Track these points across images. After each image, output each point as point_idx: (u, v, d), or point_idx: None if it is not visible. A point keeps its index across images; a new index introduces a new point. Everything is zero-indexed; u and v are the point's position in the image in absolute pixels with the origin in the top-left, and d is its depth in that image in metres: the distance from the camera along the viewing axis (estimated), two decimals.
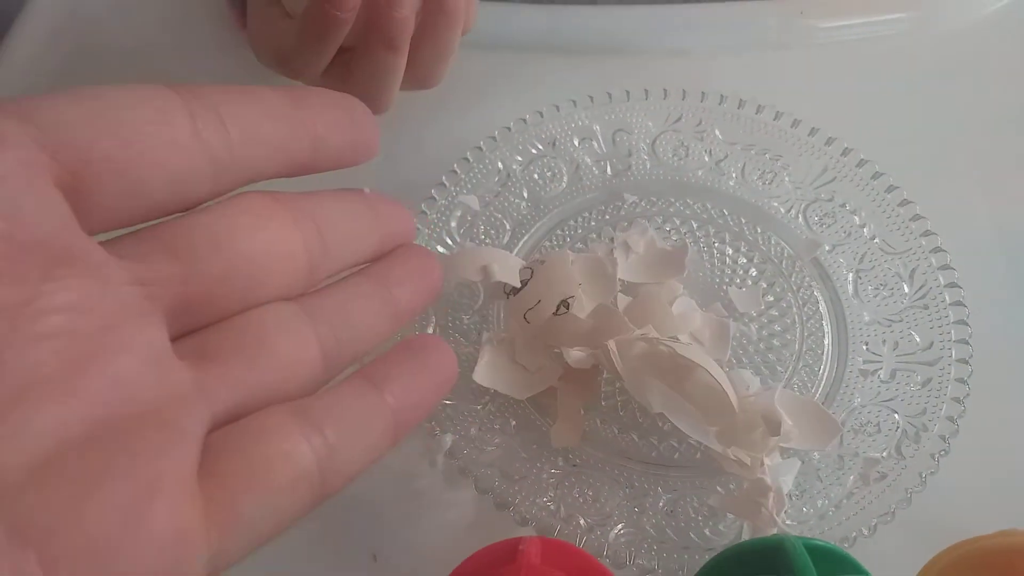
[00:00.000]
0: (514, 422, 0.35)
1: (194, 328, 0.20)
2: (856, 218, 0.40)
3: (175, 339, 0.19)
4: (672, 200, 0.42)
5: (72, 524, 0.16)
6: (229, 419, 0.19)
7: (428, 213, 0.40)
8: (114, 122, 0.18)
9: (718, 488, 0.33)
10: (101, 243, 0.18)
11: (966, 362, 0.34)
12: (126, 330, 0.18)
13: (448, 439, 0.33)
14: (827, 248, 0.39)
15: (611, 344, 0.33)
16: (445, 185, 0.41)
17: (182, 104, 0.19)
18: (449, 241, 0.40)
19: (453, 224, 0.41)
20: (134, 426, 0.17)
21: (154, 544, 0.16)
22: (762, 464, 0.31)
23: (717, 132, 0.43)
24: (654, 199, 0.42)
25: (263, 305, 0.21)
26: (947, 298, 0.36)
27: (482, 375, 0.35)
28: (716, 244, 0.40)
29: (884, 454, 0.33)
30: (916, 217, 0.38)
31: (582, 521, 0.32)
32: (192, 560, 0.17)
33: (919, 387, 0.34)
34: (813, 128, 0.41)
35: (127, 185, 0.18)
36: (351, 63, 0.38)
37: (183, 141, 0.19)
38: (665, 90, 0.43)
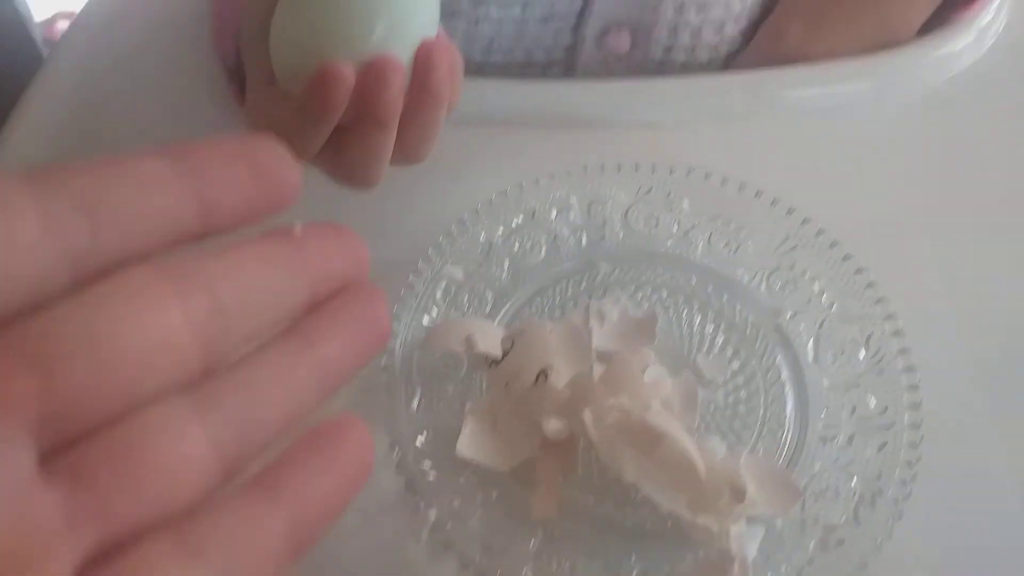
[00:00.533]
0: (495, 493, 0.36)
1: (69, 440, 0.17)
2: (815, 285, 0.41)
3: (48, 456, 0.17)
4: (643, 269, 0.43)
5: None
6: (106, 549, 0.17)
7: (415, 285, 0.42)
8: None
9: (689, 556, 0.34)
10: None
11: (917, 427, 0.35)
12: None
13: (432, 514, 0.34)
14: (789, 315, 0.41)
15: (586, 415, 0.34)
16: (431, 257, 0.42)
17: (30, 199, 0.17)
18: (435, 311, 0.42)
19: (439, 294, 0.42)
20: None
21: None
22: (728, 533, 0.32)
23: (685, 203, 0.44)
24: (627, 268, 0.43)
25: (147, 410, 0.18)
26: (900, 363, 0.37)
27: (465, 446, 0.36)
28: (685, 312, 0.42)
29: (843, 519, 0.34)
30: (870, 284, 0.40)
31: None
32: None
33: (875, 451, 0.36)
34: (775, 199, 0.42)
35: None
36: (343, 141, 0.39)
37: (30, 242, 0.16)
38: (636, 164, 0.44)
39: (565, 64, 0.56)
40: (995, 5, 0.53)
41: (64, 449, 0.17)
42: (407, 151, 0.41)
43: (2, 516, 0.16)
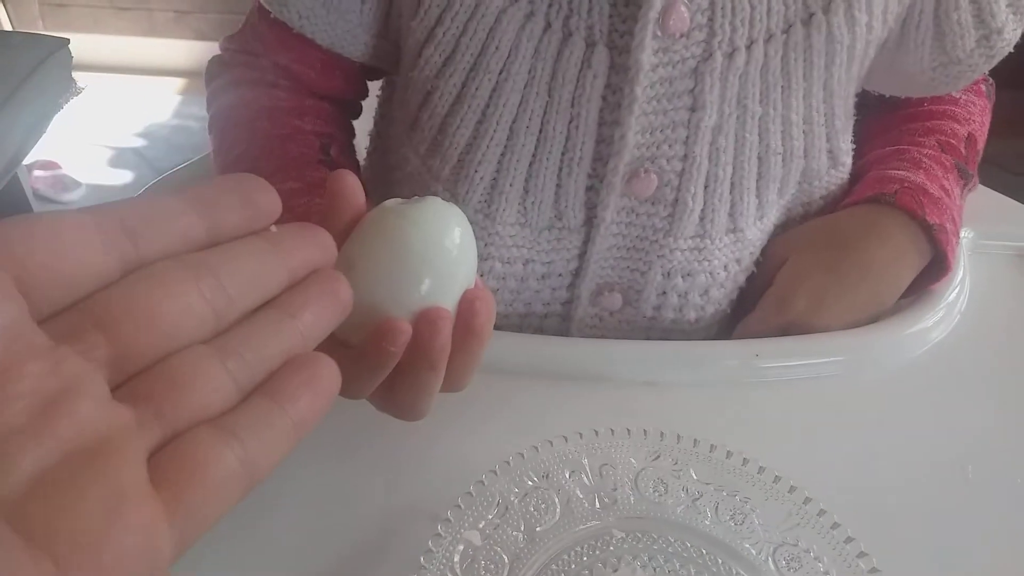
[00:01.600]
0: None
1: (128, 376, 0.24)
2: (820, 565, 0.42)
3: (115, 388, 0.24)
4: (655, 537, 0.44)
5: (67, 524, 0.21)
6: (165, 443, 0.24)
7: (435, 551, 0.41)
8: (46, 240, 0.23)
9: None
10: (43, 326, 0.23)
11: None
12: (78, 386, 0.22)
13: None
14: None
15: None
16: (450, 520, 0.42)
17: (95, 227, 0.24)
18: None
19: (456, 559, 0.42)
20: (96, 451, 0.22)
21: (132, 535, 0.21)
22: None
23: (692, 472, 0.45)
24: (639, 535, 0.44)
25: (181, 351, 0.25)
26: None
27: None
28: None
29: None
30: (873, 570, 0.40)
31: None
32: (161, 545, 0.22)
33: None
34: (777, 476, 0.44)
35: (60, 284, 0.23)
36: (395, 381, 0.40)
37: (96, 254, 0.24)
38: (645, 430, 0.46)
39: (562, 316, 0.59)
40: (958, 279, 0.57)
41: (125, 383, 0.24)
42: (452, 381, 0.42)
43: (94, 420, 0.22)
